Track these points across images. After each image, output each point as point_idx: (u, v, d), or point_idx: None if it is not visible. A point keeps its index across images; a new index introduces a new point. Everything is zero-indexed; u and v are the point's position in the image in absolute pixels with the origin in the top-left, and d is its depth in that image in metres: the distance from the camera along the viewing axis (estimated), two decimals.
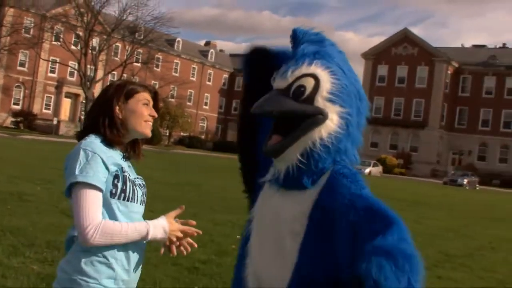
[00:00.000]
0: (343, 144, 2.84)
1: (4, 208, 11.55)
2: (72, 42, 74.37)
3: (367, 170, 73.24)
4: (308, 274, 2.66)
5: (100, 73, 76.82)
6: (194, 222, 3.23)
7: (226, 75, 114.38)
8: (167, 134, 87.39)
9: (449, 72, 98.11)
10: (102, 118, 3.13)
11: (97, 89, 75.54)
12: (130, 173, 3.16)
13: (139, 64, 77.98)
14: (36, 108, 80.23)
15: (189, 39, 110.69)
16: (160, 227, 3.04)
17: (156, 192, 18.28)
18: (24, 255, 7.99)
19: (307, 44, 2.94)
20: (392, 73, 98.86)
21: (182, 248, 3.19)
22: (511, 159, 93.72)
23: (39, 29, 74.15)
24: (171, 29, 78.99)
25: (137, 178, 3.25)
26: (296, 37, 2.99)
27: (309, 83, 2.77)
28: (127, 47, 78.14)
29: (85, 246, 2.91)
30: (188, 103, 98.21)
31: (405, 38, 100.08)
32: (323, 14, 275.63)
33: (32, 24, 75.05)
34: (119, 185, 3.01)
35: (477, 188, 71.47)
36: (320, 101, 2.78)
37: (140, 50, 79.76)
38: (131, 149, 3.32)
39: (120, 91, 3.20)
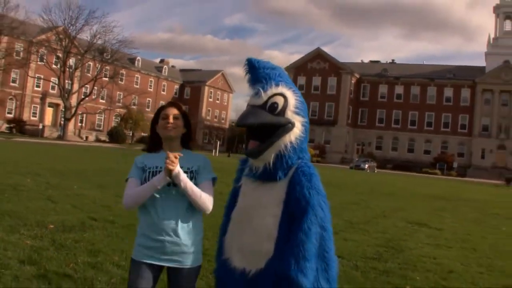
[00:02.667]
0: (304, 145, 3.18)
1: (3, 196, 11.56)
2: (53, 62, 73.68)
3: None
4: (284, 245, 3.01)
5: (75, 87, 77.19)
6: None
7: (177, 86, 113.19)
8: (131, 134, 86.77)
9: (352, 81, 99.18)
10: (149, 139, 3.76)
11: (73, 100, 75.94)
12: (163, 164, 3.34)
13: (107, 79, 77.91)
14: (25, 116, 78.00)
15: (147, 58, 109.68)
16: (157, 178, 3.33)
17: (121, 182, 18.21)
18: (20, 232, 8.04)
19: (268, 69, 3.23)
20: (309, 82, 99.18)
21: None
22: (400, 148, 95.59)
23: (27, 52, 73.29)
24: (132, 50, 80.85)
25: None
26: (253, 64, 3.25)
27: (280, 100, 3.09)
28: (97, 65, 78.07)
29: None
30: (146, 109, 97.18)
31: (318, 55, 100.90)
32: (254, 37, 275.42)
33: (22, 49, 73.87)
34: (144, 176, 3.46)
35: (376, 171, 72.40)
36: (289, 114, 3.10)
37: (108, 67, 79.45)
38: (184, 146, 3.67)
39: (154, 117, 3.67)
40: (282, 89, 3.15)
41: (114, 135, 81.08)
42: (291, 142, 3.11)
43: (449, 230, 13.69)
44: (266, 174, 3.13)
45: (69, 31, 74.19)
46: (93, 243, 7.91)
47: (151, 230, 3.38)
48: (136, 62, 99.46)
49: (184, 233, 3.39)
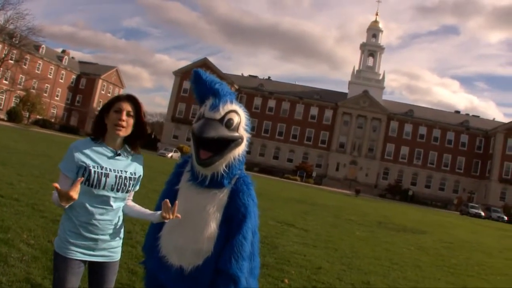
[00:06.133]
0: (244, 157, 3.21)
1: None
2: None
3: (169, 155, 72.99)
4: (222, 244, 3.07)
5: None
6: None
7: (74, 76, 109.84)
8: (27, 115, 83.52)
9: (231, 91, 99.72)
10: (93, 124, 3.15)
11: None
12: (108, 165, 3.03)
13: (12, 61, 75.21)
14: None
15: (50, 47, 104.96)
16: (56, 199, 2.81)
17: (22, 160, 17.40)
18: None
19: (217, 84, 3.21)
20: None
21: None
22: (267, 155, 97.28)
23: None
24: (40, 38, 77.63)
25: (121, 170, 3.08)
26: (200, 77, 3.24)
27: (235, 117, 3.10)
28: (6, 48, 74.94)
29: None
30: (44, 94, 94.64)
31: (204, 64, 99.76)
32: (148, 40, 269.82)
33: None
34: (86, 174, 2.93)
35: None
36: (241, 130, 3.12)
37: (15, 51, 75.88)
38: (130, 145, 3.19)
39: (106, 105, 3.10)
40: (235, 106, 3.18)
41: (12, 115, 78.98)
42: (238, 155, 3.16)
43: (313, 231, 14.14)
44: (212, 182, 3.13)
45: None
46: (3, 220, 7.50)
47: (84, 229, 3.00)
48: (41, 49, 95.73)
49: (116, 230, 3.15)
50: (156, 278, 3.26)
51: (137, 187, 3.27)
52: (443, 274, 10.62)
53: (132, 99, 3.15)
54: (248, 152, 3.34)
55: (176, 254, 3.14)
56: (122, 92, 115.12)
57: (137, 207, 3.26)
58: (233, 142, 3.09)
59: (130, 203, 3.28)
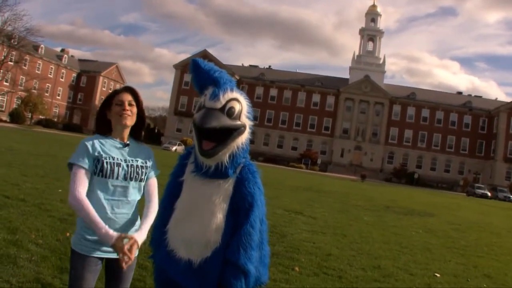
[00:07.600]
0: (248, 145, 3.14)
1: None
2: None
3: (173, 148, 72.99)
4: (230, 235, 3.00)
5: None
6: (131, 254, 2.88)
7: (74, 74, 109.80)
8: (30, 116, 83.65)
9: None
10: (96, 121, 3.21)
11: None
12: (119, 156, 3.09)
13: (12, 63, 75.26)
14: None
15: (49, 46, 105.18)
16: (109, 237, 2.82)
17: (25, 161, 17.37)
18: None
19: (216, 72, 3.14)
20: None
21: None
22: (271, 144, 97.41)
23: None
24: (38, 38, 77.74)
25: (131, 160, 3.14)
26: (199, 66, 3.16)
27: (236, 105, 3.00)
28: (4, 49, 75.10)
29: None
30: (46, 94, 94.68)
31: (204, 56, 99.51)
32: (146, 35, 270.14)
33: None
34: (99, 166, 2.98)
35: None
36: (243, 118, 3.03)
37: (14, 52, 75.78)
38: (134, 135, 3.25)
39: (106, 101, 3.17)
40: (236, 94, 3.09)
41: (15, 116, 79.55)
42: (242, 144, 3.09)
43: (321, 218, 14.12)
44: (217, 172, 3.06)
45: None
46: (10, 221, 7.49)
47: None
48: (40, 49, 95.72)
49: (132, 226, 3.12)
50: (165, 273, 3.19)
51: (152, 173, 3.28)
52: (453, 256, 10.60)
53: (130, 90, 3.22)
54: (252, 142, 3.27)
55: (184, 247, 3.08)
56: None
57: (144, 217, 3.15)
58: (235, 131, 3.02)
59: (146, 211, 3.18)
